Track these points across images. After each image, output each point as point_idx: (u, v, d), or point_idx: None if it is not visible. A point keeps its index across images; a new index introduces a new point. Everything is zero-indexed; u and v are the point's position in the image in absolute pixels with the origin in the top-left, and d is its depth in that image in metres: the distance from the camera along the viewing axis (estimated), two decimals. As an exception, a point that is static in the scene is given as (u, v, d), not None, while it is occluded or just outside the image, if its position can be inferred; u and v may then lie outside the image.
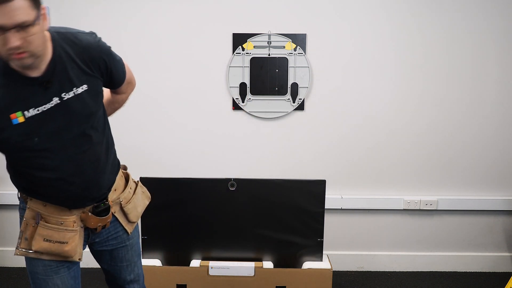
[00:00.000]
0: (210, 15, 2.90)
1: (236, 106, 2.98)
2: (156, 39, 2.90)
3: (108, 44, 1.71)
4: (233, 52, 2.91)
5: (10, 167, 1.58)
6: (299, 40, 2.90)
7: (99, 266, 1.87)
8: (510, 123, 3.01)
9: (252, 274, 2.55)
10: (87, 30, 2.87)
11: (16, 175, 1.58)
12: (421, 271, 3.16)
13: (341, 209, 3.07)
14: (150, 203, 2.49)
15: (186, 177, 2.61)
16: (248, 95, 2.96)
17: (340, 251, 3.14)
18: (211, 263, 2.55)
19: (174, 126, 3.01)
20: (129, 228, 1.76)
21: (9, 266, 3.13)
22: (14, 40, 1.22)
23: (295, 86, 2.95)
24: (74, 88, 1.43)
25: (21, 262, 3.14)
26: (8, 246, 3.14)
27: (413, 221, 3.13)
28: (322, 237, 2.62)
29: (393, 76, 2.95)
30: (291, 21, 2.89)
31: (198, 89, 2.96)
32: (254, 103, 2.97)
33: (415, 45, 2.92)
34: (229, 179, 2.56)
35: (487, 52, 2.92)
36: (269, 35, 2.90)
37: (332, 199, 2.96)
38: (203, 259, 2.62)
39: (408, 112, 2.99)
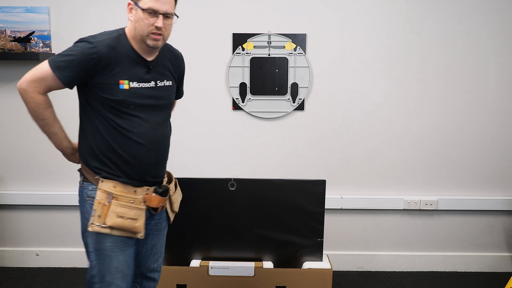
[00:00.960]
0: (210, 15, 2.90)
1: (236, 106, 2.98)
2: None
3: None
4: (233, 52, 2.91)
5: (100, 137, 1.77)
6: (299, 40, 2.90)
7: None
8: (510, 123, 3.01)
9: (252, 274, 2.55)
10: (86, 30, 2.89)
11: (103, 142, 1.77)
12: (421, 271, 3.16)
13: (341, 209, 3.07)
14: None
15: (186, 177, 2.61)
16: (248, 95, 2.96)
17: (340, 251, 3.13)
18: (211, 263, 2.55)
19: (174, 126, 2.99)
20: (171, 216, 2.02)
21: (9, 266, 3.13)
22: (161, 22, 1.70)
23: (295, 86, 2.95)
24: (165, 80, 1.86)
25: (21, 262, 3.15)
26: (8, 246, 3.14)
27: (413, 221, 3.13)
28: (322, 237, 2.61)
29: (393, 76, 2.96)
30: (291, 21, 2.89)
31: (198, 89, 2.96)
32: (254, 103, 2.97)
33: (415, 45, 2.92)
34: (229, 179, 2.56)
35: (487, 52, 2.92)
36: (269, 35, 2.90)
37: (332, 199, 2.96)
38: (203, 259, 2.62)
39: (408, 112, 3.00)
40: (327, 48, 2.93)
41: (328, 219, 2.83)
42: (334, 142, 3.02)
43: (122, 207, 1.75)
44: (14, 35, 2.86)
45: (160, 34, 1.73)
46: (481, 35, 2.91)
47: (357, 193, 3.08)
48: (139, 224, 1.79)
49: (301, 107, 2.98)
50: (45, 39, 2.86)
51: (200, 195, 2.58)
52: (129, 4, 1.76)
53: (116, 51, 1.73)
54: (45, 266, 3.13)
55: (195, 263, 2.59)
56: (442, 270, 3.17)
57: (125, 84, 1.73)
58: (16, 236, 3.12)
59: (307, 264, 2.60)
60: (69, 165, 3.03)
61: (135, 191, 1.80)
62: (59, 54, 1.72)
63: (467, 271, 3.17)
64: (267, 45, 2.91)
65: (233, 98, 2.97)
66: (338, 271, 3.09)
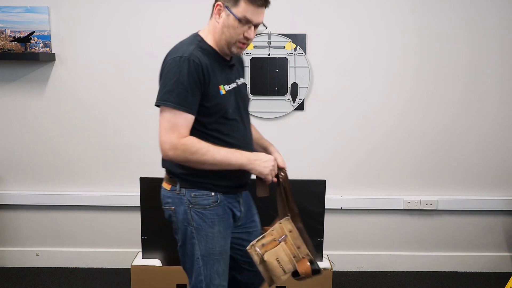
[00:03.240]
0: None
1: (236, 106, 2.97)
2: (156, 39, 2.90)
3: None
4: (233, 52, 2.91)
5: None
6: (299, 40, 2.90)
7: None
8: (510, 123, 3.01)
9: (252, 274, 2.54)
10: (86, 30, 2.87)
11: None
12: (421, 271, 3.16)
13: (341, 209, 3.07)
14: (150, 203, 2.48)
15: (186, 177, 2.61)
16: (248, 95, 2.95)
17: (340, 251, 3.14)
18: (211, 263, 2.54)
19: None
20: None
21: (9, 266, 3.13)
22: (253, 33, 1.68)
23: (295, 86, 2.95)
24: (241, 78, 1.86)
25: (21, 262, 3.15)
26: (8, 246, 3.14)
27: (413, 221, 3.13)
28: (322, 237, 2.61)
29: (393, 76, 2.95)
30: (291, 21, 2.89)
31: (198, 89, 2.96)
32: (254, 103, 2.97)
33: (415, 46, 2.92)
34: (229, 179, 2.56)
35: (488, 52, 2.92)
36: (269, 35, 2.90)
37: (332, 199, 2.96)
38: (203, 259, 2.61)
39: (408, 112, 2.99)
40: (327, 48, 2.92)
41: (328, 219, 2.83)
42: (334, 142, 3.02)
43: (285, 254, 1.73)
44: (14, 35, 2.86)
45: (245, 43, 1.69)
46: (482, 36, 2.91)
47: (357, 193, 3.08)
48: (285, 278, 1.75)
49: (301, 107, 2.97)
50: (45, 39, 2.86)
51: (200, 195, 2.57)
52: (218, 5, 1.66)
53: (206, 57, 1.66)
54: (45, 266, 3.13)
55: (195, 263, 2.59)
56: (442, 270, 3.17)
57: (222, 89, 1.69)
58: (16, 236, 3.12)
59: (307, 264, 2.59)
60: (69, 165, 3.04)
61: (299, 248, 1.76)
62: (165, 91, 1.60)
63: (467, 271, 3.17)
64: (267, 45, 2.91)
65: (233, 98, 2.96)
66: (338, 271, 3.09)
